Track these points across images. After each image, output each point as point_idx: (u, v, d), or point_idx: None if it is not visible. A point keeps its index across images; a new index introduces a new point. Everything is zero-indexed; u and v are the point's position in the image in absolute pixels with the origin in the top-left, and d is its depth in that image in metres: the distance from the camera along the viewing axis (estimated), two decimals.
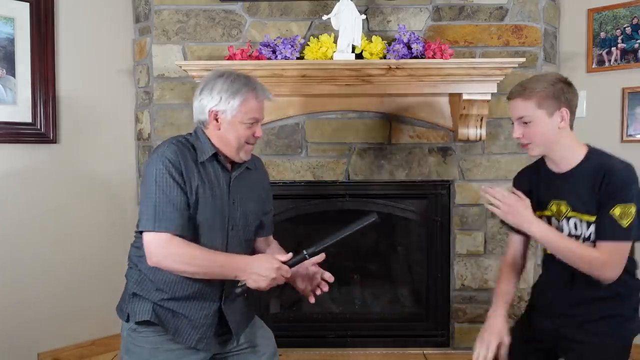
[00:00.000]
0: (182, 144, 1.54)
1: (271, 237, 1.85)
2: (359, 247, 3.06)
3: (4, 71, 2.46)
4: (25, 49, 2.51)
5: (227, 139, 1.56)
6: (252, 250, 1.75)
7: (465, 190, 2.77)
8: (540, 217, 1.60)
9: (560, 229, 1.57)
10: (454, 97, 2.65)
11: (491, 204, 1.57)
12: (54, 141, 2.62)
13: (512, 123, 1.61)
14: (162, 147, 1.53)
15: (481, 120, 2.62)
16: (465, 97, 2.55)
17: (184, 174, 1.49)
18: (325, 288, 1.69)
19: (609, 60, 2.73)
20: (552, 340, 1.63)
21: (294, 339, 2.83)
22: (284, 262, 1.50)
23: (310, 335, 2.84)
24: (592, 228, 1.50)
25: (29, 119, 2.54)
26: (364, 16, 2.56)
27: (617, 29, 2.69)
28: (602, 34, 2.74)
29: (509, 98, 1.60)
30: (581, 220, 1.53)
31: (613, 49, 2.71)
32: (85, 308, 2.71)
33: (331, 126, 2.75)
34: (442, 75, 2.52)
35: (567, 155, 1.56)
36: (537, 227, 1.50)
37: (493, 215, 2.75)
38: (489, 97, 2.56)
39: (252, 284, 1.47)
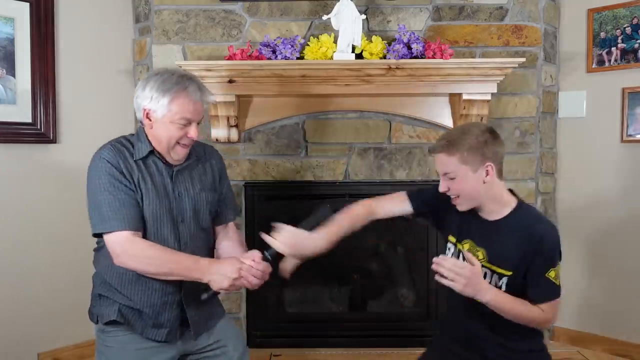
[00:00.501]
0: (119, 144, 1.55)
1: (229, 225, 1.80)
2: (359, 247, 3.06)
3: (4, 71, 2.46)
4: (25, 49, 2.51)
5: (158, 137, 1.55)
6: (213, 238, 1.74)
7: None
8: (453, 243, 1.62)
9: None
10: (454, 97, 2.65)
11: (442, 276, 1.47)
12: (54, 141, 2.62)
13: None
14: (100, 150, 1.54)
15: (481, 120, 2.62)
16: (465, 97, 2.55)
17: (124, 171, 1.50)
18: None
19: (609, 60, 2.73)
20: None
21: (294, 339, 2.83)
22: (255, 260, 1.51)
23: (310, 335, 2.84)
24: (505, 280, 1.50)
25: (29, 119, 2.54)
26: (364, 16, 2.56)
27: (617, 29, 2.69)
28: (602, 34, 2.74)
29: (431, 152, 1.56)
30: (493, 272, 1.52)
31: (613, 49, 2.71)
32: (85, 308, 2.69)
33: (331, 126, 2.75)
34: (442, 75, 2.52)
35: (494, 208, 1.55)
36: (490, 296, 1.45)
37: None
38: (489, 97, 2.56)
39: (215, 285, 1.48)
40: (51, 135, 2.60)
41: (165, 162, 1.59)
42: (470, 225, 1.59)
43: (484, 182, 1.50)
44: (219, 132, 2.66)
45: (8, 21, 2.46)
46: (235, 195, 2.76)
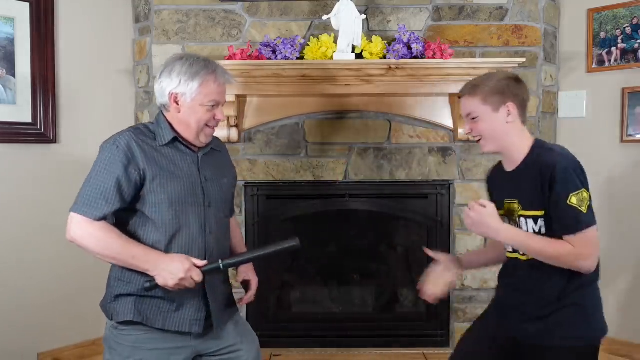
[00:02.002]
0: (139, 131, 1.55)
1: (233, 218, 1.84)
2: (359, 247, 3.06)
3: (4, 71, 2.47)
4: (25, 49, 2.51)
5: (187, 121, 1.56)
6: (228, 229, 1.74)
7: (465, 190, 2.77)
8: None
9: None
10: (454, 97, 2.65)
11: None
12: (54, 141, 2.62)
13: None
14: (118, 134, 1.53)
15: None
16: None
17: (137, 161, 1.49)
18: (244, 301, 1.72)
19: (609, 60, 2.73)
20: (511, 342, 1.61)
21: (294, 339, 2.83)
22: (198, 267, 1.49)
23: (310, 335, 2.84)
24: (541, 222, 1.51)
25: (29, 119, 2.54)
26: (364, 16, 2.56)
27: (617, 29, 2.69)
28: (602, 34, 2.74)
29: (459, 96, 1.64)
30: (529, 218, 1.53)
31: (613, 49, 2.71)
32: (85, 308, 2.71)
33: (331, 126, 2.75)
34: (442, 75, 2.52)
35: (515, 151, 1.59)
36: (504, 234, 1.49)
37: None
38: None
39: (160, 280, 1.47)
40: (51, 135, 2.60)
41: (188, 150, 1.60)
42: (502, 187, 1.64)
43: (507, 123, 1.55)
44: (219, 132, 2.63)
45: (8, 21, 2.46)
46: (236, 195, 2.77)
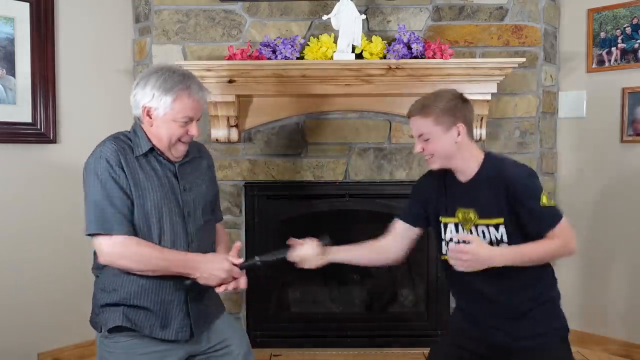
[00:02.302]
0: (120, 140, 1.55)
1: (220, 224, 1.84)
2: None
3: (4, 71, 2.46)
4: (25, 49, 2.51)
5: (159, 135, 1.55)
6: (212, 234, 1.75)
7: None
8: (446, 223, 1.67)
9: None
10: None
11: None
12: (54, 141, 2.62)
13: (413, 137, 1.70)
14: (100, 146, 1.53)
15: (481, 120, 2.62)
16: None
17: (125, 170, 1.50)
18: (230, 287, 1.65)
19: (609, 60, 2.73)
20: (485, 348, 1.65)
21: (294, 339, 2.83)
22: (236, 265, 1.54)
23: (310, 335, 2.84)
24: (502, 229, 1.57)
25: (29, 119, 2.54)
26: (364, 16, 2.56)
27: (617, 29, 2.69)
28: (602, 34, 2.74)
29: (408, 116, 1.68)
30: (489, 226, 1.59)
31: (613, 49, 2.71)
32: (85, 308, 2.69)
33: (331, 126, 2.75)
34: (442, 75, 2.52)
35: (467, 166, 1.64)
36: (499, 259, 1.51)
37: None
38: (489, 97, 2.56)
39: (202, 281, 1.52)
40: (51, 135, 2.60)
41: (166, 158, 1.60)
42: (454, 196, 1.67)
43: (456, 142, 1.60)
44: (219, 132, 2.66)
45: (8, 21, 2.46)
46: (235, 195, 2.77)
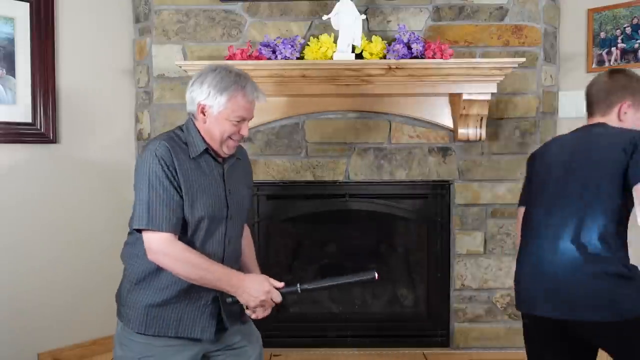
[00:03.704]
0: (173, 141, 1.55)
1: (246, 225, 1.86)
2: (359, 247, 3.06)
3: (4, 71, 2.46)
4: (25, 49, 2.51)
5: (212, 132, 1.57)
6: (242, 236, 1.76)
7: (465, 190, 2.77)
8: None
9: None
10: (454, 97, 2.65)
11: None
12: (54, 141, 2.62)
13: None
14: (154, 144, 1.53)
15: (481, 120, 2.62)
16: (465, 97, 2.55)
17: (177, 171, 1.50)
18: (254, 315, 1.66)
19: (609, 60, 2.72)
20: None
21: (294, 339, 2.83)
22: (277, 288, 1.53)
23: (310, 335, 2.84)
24: None
25: (29, 119, 2.54)
26: (364, 16, 2.56)
27: (617, 29, 2.69)
28: (602, 34, 2.74)
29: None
30: None
31: (613, 49, 2.71)
32: (85, 308, 2.71)
33: (331, 126, 2.75)
34: (442, 75, 2.52)
35: None
36: None
37: (493, 214, 2.77)
38: (489, 97, 2.56)
39: (242, 301, 1.52)
40: (51, 135, 2.60)
41: (216, 161, 1.62)
42: None
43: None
44: None
45: (8, 21, 2.46)
46: None
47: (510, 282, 2.79)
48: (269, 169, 2.76)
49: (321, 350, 2.79)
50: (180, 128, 1.63)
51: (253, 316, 1.58)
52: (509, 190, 2.76)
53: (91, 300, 2.72)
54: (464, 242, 2.78)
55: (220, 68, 1.59)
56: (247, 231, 1.86)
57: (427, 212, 2.82)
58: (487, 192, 2.77)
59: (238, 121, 1.57)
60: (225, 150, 1.60)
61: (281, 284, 1.55)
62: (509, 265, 2.78)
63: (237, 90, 1.55)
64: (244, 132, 1.60)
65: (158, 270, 1.52)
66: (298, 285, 1.55)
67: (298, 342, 2.82)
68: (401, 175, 2.77)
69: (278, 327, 2.86)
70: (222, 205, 1.59)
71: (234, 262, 1.67)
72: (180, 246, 1.49)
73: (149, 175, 1.49)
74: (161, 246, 1.48)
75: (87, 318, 2.71)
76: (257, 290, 1.50)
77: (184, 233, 1.52)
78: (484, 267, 2.79)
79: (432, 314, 2.85)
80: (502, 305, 2.80)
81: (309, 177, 2.76)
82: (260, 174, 2.75)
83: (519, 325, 2.77)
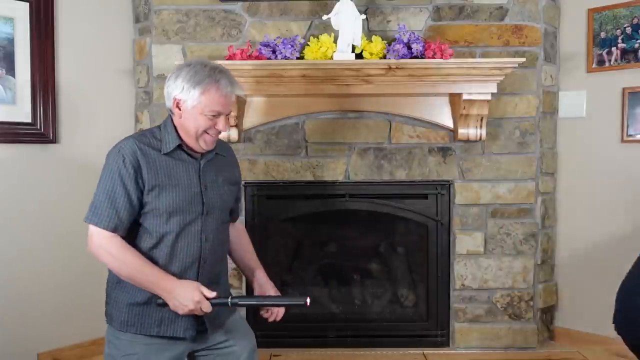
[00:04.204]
0: (144, 137, 1.57)
1: (237, 222, 1.87)
2: (359, 247, 3.06)
3: (4, 71, 2.46)
4: (25, 49, 2.51)
5: (187, 127, 1.57)
6: (227, 234, 1.76)
7: (465, 190, 2.77)
8: None
9: None
10: (454, 97, 2.65)
11: None
12: (53, 141, 2.62)
13: None
14: (122, 143, 1.56)
15: (481, 120, 2.62)
16: (465, 97, 2.54)
17: (143, 169, 1.52)
18: (270, 318, 1.76)
19: (609, 60, 2.72)
20: None
21: (294, 339, 2.83)
22: (208, 298, 1.51)
23: (310, 335, 2.84)
24: None
25: (28, 119, 2.54)
26: (364, 16, 2.56)
27: (617, 29, 2.69)
28: (602, 34, 2.74)
29: None
30: None
31: (613, 48, 2.71)
32: (85, 308, 2.71)
33: (331, 126, 2.75)
34: (442, 75, 2.52)
35: None
36: None
37: (493, 215, 2.77)
38: (489, 97, 2.56)
39: (171, 306, 1.50)
40: (51, 135, 2.60)
41: (191, 155, 1.61)
42: None
43: None
44: None
45: (8, 21, 2.46)
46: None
47: (510, 282, 2.79)
48: (269, 169, 2.76)
49: (321, 350, 2.79)
50: (158, 126, 1.64)
51: (270, 319, 1.67)
52: (509, 190, 2.76)
53: (91, 300, 2.71)
54: (464, 242, 2.78)
55: (195, 62, 1.59)
56: (240, 230, 1.86)
57: (427, 212, 2.82)
58: (487, 192, 2.77)
59: (213, 115, 1.56)
60: (202, 146, 1.59)
61: (213, 294, 1.51)
62: (509, 265, 2.78)
63: (211, 83, 1.54)
64: (220, 126, 1.58)
65: None
66: (229, 298, 1.53)
67: (298, 342, 2.82)
68: (401, 175, 2.77)
69: (278, 327, 2.84)
70: (195, 200, 1.58)
71: (217, 261, 1.67)
72: (118, 243, 1.51)
73: (107, 173, 1.53)
74: (99, 240, 1.52)
75: (87, 318, 2.71)
76: (186, 299, 1.47)
77: (158, 225, 1.54)
78: (484, 267, 2.79)
79: (432, 314, 2.85)
80: (502, 305, 2.80)
81: (309, 177, 2.76)
82: (260, 174, 2.75)
83: (519, 325, 2.80)
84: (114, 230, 1.51)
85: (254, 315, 2.79)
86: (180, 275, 1.55)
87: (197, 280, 1.57)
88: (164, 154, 1.56)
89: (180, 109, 1.57)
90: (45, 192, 2.59)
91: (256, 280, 1.79)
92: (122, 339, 1.57)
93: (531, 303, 2.79)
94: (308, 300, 1.50)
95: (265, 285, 1.77)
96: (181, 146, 1.59)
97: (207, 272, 1.62)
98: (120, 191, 1.50)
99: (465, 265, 2.79)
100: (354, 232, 3.03)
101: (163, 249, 1.55)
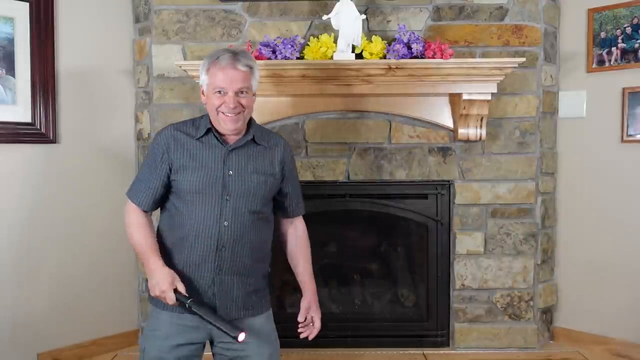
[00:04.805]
0: (184, 125, 1.71)
1: (296, 219, 1.87)
2: (359, 247, 3.06)
3: (4, 71, 2.46)
4: (25, 49, 2.51)
5: (209, 110, 1.68)
6: (269, 224, 1.76)
7: (465, 190, 2.77)
8: None
9: None
10: (454, 97, 2.65)
11: None
12: (53, 141, 2.62)
13: None
14: (165, 127, 1.72)
15: (481, 120, 2.62)
16: (465, 97, 2.55)
17: (173, 151, 1.64)
18: (304, 334, 1.86)
19: (609, 60, 2.72)
20: None
21: (294, 339, 2.82)
22: (177, 292, 1.55)
23: None
24: None
25: (28, 119, 2.54)
26: (364, 16, 2.56)
27: (617, 29, 2.69)
28: (602, 34, 2.74)
29: None
30: None
31: (613, 48, 2.71)
32: (85, 308, 2.71)
33: (331, 126, 2.75)
34: (442, 75, 2.52)
35: None
36: None
37: (493, 215, 2.77)
38: (489, 97, 2.56)
39: (149, 284, 1.61)
40: (51, 135, 2.60)
41: (221, 141, 1.66)
42: None
43: None
44: None
45: (8, 21, 2.46)
46: None
47: (510, 282, 2.79)
48: None
49: (321, 350, 2.79)
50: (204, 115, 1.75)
51: (303, 335, 1.82)
52: (509, 190, 2.76)
53: (91, 300, 2.72)
54: (464, 242, 2.78)
55: (217, 50, 1.69)
56: (300, 230, 1.86)
57: (427, 212, 2.82)
58: (487, 192, 2.77)
59: (219, 92, 1.61)
60: (223, 126, 1.65)
61: (183, 289, 1.55)
62: (509, 265, 2.78)
63: (212, 62, 1.63)
64: (229, 102, 1.61)
65: (172, 245, 1.66)
66: (189, 301, 1.54)
67: (298, 342, 2.81)
68: (401, 175, 2.77)
69: (278, 327, 2.85)
70: (216, 183, 1.63)
71: (245, 252, 1.65)
72: (137, 216, 1.67)
73: (148, 153, 1.72)
74: (126, 208, 1.70)
75: (87, 318, 2.71)
76: (156, 283, 1.56)
77: (181, 206, 1.65)
78: (484, 267, 2.79)
79: (432, 314, 2.85)
80: (502, 305, 2.80)
81: (309, 177, 2.76)
82: None
83: (519, 325, 2.80)
84: (143, 206, 1.67)
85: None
86: (201, 258, 1.62)
87: (216, 266, 1.62)
88: (196, 139, 1.66)
89: (204, 95, 1.69)
90: (45, 192, 2.59)
91: (304, 299, 1.82)
92: (153, 315, 1.69)
93: (531, 303, 2.79)
94: (241, 336, 1.51)
95: (310, 309, 1.83)
96: (212, 131, 1.67)
97: (229, 260, 1.63)
98: (154, 170, 1.66)
99: (465, 265, 2.79)
100: (354, 232, 3.03)
101: (184, 230, 1.63)
